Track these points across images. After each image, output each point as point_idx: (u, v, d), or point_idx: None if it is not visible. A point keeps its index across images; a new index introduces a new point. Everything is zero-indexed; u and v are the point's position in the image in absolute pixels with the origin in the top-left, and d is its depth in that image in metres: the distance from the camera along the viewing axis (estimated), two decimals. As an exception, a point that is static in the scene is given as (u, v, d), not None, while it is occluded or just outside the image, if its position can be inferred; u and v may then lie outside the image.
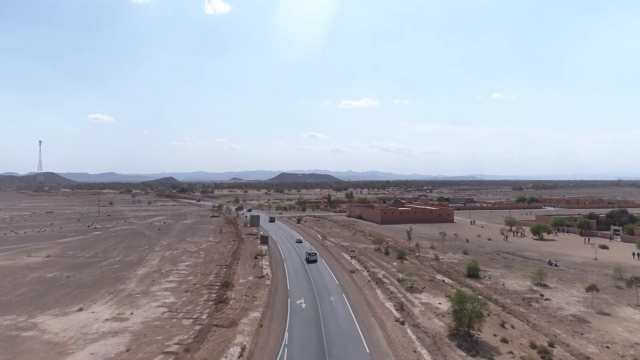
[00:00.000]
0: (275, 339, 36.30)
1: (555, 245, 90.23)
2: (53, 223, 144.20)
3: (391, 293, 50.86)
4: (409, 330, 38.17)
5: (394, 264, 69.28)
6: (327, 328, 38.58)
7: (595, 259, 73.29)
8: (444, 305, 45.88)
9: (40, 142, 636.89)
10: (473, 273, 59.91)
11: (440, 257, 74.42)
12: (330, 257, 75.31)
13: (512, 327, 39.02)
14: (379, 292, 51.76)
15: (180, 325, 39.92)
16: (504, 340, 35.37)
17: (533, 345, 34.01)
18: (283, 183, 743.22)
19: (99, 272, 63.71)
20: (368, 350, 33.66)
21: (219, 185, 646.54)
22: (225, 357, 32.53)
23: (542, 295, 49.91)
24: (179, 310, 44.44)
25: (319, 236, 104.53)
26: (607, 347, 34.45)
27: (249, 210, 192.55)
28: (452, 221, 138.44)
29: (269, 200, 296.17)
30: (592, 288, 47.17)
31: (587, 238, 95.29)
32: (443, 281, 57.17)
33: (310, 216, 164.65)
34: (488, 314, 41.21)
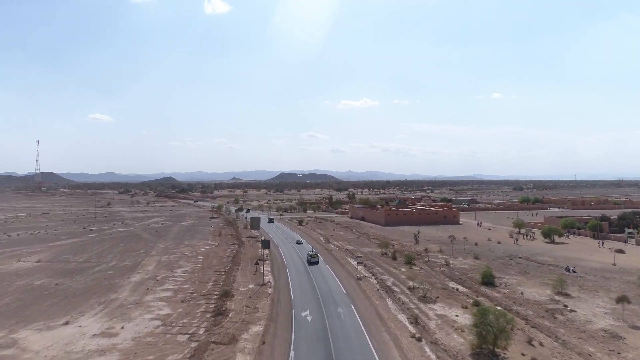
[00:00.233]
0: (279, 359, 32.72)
1: (569, 249, 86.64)
2: (48, 225, 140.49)
3: (403, 303, 47.26)
4: (427, 349, 34.57)
5: (403, 269, 65.67)
6: (336, 346, 34.93)
7: (614, 264, 69.70)
8: (462, 317, 42.35)
9: (38, 142, 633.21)
10: (488, 280, 56.31)
11: (451, 262, 70.85)
12: (335, 263, 71.69)
13: (541, 344, 35.45)
14: (389, 302, 48.16)
15: (175, 342, 36.30)
16: (535, 361, 31.85)
17: (569, 368, 30.45)
18: (283, 183, 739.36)
19: (91, 279, 60.05)
20: (384, 374, 30.10)
21: (219, 186, 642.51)
22: (224, 382, 28.93)
23: (566, 306, 46.31)
24: (174, 324, 40.81)
25: (321, 239, 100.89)
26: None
27: (248, 211, 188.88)
28: (457, 223, 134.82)
29: (269, 200, 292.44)
30: (622, 299, 43.55)
31: (601, 241, 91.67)
32: (457, 289, 53.55)
33: (311, 217, 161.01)
34: (511, 329, 37.62)
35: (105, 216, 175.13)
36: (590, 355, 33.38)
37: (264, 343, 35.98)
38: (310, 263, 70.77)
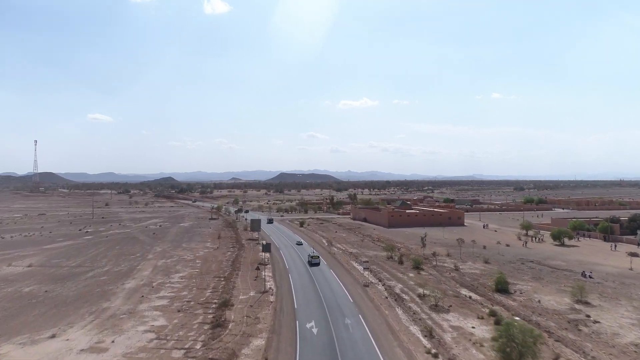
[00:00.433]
0: (284, 380, 29.72)
1: (580, 252, 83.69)
2: (43, 226, 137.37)
3: (414, 313, 44.26)
4: (445, 367, 31.58)
5: (411, 275, 62.69)
6: (346, 364, 31.95)
7: (631, 269, 66.81)
8: (479, 330, 39.37)
9: (36, 141, 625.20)
10: (502, 287, 53.33)
11: (460, 266, 67.85)
12: (340, 267, 68.68)
13: (569, 362, 32.48)
14: (399, 311, 45.17)
15: (169, 358, 33.30)
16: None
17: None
18: (282, 183, 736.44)
19: (83, 286, 57.00)
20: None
21: (218, 186, 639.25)
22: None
23: (589, 316, 43.35)
24: (168, 337, 37.79)
25: (324, 242, 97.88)
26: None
27: (246, 212, 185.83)
28: (462, 224, 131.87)
29: (269, 201, 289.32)
30: (652, 310, 40.53)
31: (613, 244, 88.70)
32: (470, 297, 50.55)
33: (312, 219, 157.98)
34: (538, 344, 34.61)
35: (103, 217, 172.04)
36: (625, 374, 30.43)
37: (266, 359, 33.03)
38: (312, 264, 70.41)
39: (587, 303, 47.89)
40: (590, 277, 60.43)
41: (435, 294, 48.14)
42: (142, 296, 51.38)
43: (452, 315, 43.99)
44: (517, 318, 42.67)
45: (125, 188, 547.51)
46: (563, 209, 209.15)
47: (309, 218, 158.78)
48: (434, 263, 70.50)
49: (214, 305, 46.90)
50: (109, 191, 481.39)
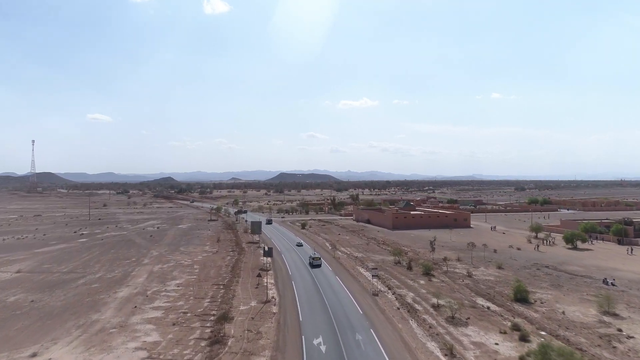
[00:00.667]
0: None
1: (595, 256, 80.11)
2: (37, 228, 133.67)
3: (430, 327, 40.62)
4: (472, 394, 27.96)
5: (421, 282, 59.08)
6: (361, 391, 28.33)
7: (653, 275, 63.20)
8: (503, 347, 35.77)
9: (34, 141, 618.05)
10: (522, 296, 49.74)
11: (473, 272, 64.24)
12: (346, 274, 65.02)
13: (612, 387, 28.86)
14: (414, 324, 41.53)
15: (162, 382, 29.69)
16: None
17: None
18: (282, 183, 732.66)
19: (72, 294, 53.35)
20: None
21: (218, 186, 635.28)
22: None
23: (620, 330, 39.77)
24: (162, 356, 34.15)
25: (327, 245, 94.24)
26: None
27: (244, 212, 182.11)
28: (469, 226, 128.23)
29: (269, 201, 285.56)
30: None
31: (629, 248, 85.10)
32: (488, 308, 46.92)
33: (314, 220, 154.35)
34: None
35: (99, 219, 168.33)
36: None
37: (270, 384, 29.42)
38: (313, 266, 69.68)
39: (615, 315, 44.34)
40: (612, 284, 56.88)
41: (451, 305, 44.55)
42: (135, 306, 47.73)
43: (472, 329, 40.37)
44: (543, 333, 39.19)
45: (124, 188, 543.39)
46: (568, 209, 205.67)
47: (310, 219, 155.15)
48: (445, 269, 66.88)
49: (212, 318, 43.27)
50: (108, 191, 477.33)
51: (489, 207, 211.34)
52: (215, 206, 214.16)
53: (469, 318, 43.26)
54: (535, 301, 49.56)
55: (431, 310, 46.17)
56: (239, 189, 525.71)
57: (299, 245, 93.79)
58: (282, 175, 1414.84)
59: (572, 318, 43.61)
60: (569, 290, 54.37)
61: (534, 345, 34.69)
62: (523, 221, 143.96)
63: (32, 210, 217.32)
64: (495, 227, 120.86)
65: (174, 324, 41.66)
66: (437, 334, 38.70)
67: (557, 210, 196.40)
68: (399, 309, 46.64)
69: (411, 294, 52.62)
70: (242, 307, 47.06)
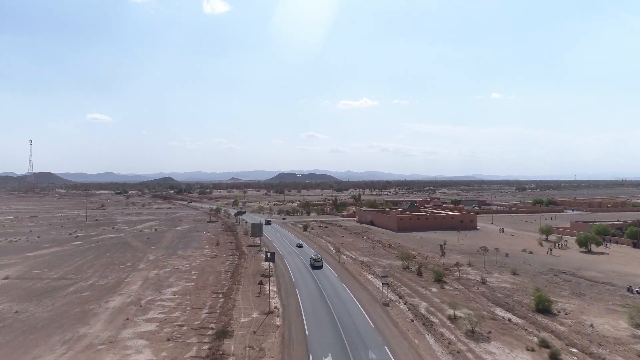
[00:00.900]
0: None
1: (612, 260, 76.55)
2: (32, 230, 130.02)
3: (449, 343, 37.03)
4: None
5: (434, 290, 55.50)
6: None
7: (678, 282, 59.61)
8: (533, 367, 32.16)
9: (31, 141, 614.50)
10: (544, 307, 46.17)
11: (487, 279, 60.66)
12: (352, 280, 61.39)
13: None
14: (431, 340, 37.93)
15: (152, 413, 26.09)
16: None
17: None
18: (282, 183, 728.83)
19: (61, 304, 49.73)
20: None
21: (218, 186, 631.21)
22: None
23: (659, 347, 36.22)
24: (154, 379, 30.59)
25: (331, 248, 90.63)
26: None
27: (243, 212, 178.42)
28: (475, 228, 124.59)
29: (269, 202, 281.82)
30: None
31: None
32: (509, 320, 43.32)
33: (316, 221, 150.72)
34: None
35: (96, 220, 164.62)
36: None
37: (276, 414, 25.84)
38: (314, 267, 69.31)
39: (648, 328, 40.79)
40: (638, 292, 53.31)
41: (470, 317, 40.99)
42: (127, 318, 44.13)
43: (495, 345, 36.79)
44: (574, 350, 35.64)
45: (123, 188, 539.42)
46: (573, 210, 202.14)
47: (312, 221, 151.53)
48: (457, 275, 63.29)
49: (210, 332, 39.65)
50: (107, 191, 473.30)
51: (493, 207, 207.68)
52: (214, 207, 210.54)
53: (490, 332, 39.69)
54: (559, 312, 46.02)
55: (448, 322, 42.59)
56: (239, 189, 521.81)
57: (299, 246, 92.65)
58: (282, 175, 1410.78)
59: (603, 332, 40.06)
60: (593, 300, 50.82)
61: (567, 365, 31.19)
62: (530, 222, 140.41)
63: (28, 211, 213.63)
64: (503, 229, 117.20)
65: (168, 339, 38.06)
66: (457, 352, 35.14)
67: (564, 211, 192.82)
68: (412, 321, 43.07)
69: (424, 304, 49.05)
70: (242, 319, 43.47)
